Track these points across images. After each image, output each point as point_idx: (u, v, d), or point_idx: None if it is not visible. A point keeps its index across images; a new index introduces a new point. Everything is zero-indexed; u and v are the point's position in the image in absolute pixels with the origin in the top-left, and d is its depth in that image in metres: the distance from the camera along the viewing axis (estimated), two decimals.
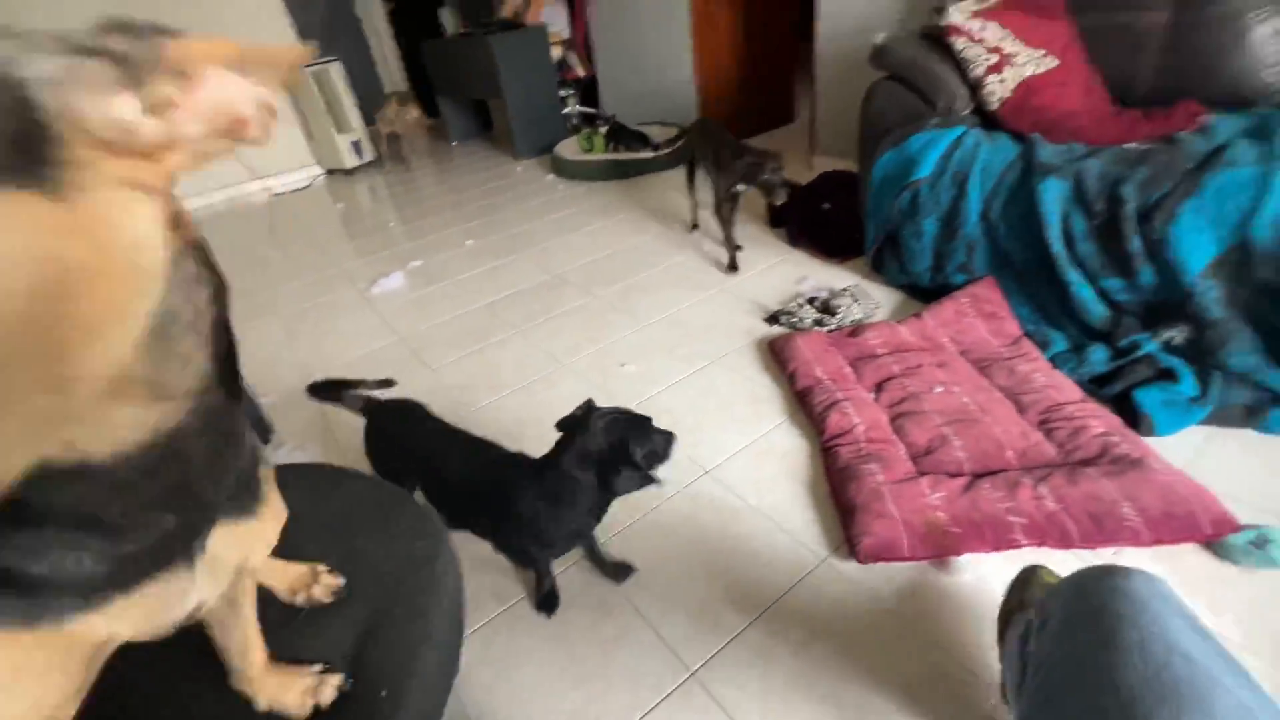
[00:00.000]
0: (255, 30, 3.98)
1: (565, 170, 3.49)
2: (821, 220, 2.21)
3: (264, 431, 1.57)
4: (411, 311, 2.19)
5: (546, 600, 1.05)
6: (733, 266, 2.11)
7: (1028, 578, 0.85)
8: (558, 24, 4.03)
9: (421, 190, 3.76)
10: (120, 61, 0.22)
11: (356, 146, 4.20)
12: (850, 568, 1.07)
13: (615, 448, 0.89)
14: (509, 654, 1.01)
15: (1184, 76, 1.53)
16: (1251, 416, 1.19)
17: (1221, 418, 1.20)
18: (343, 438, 1.56)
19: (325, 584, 0.53)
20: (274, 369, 1.93)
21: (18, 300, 0.19)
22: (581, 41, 4.18)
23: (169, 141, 0.25)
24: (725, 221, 2.09)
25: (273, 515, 0.41)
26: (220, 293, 0.30)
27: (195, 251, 0.29)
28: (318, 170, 4.38)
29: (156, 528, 0.30)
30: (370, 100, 5.85)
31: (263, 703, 0.47)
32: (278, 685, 0.47)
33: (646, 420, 0.94)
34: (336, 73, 3.94)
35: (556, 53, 4.04)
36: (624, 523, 1.21)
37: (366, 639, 0.51)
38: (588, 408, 0.96)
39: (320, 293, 2.44)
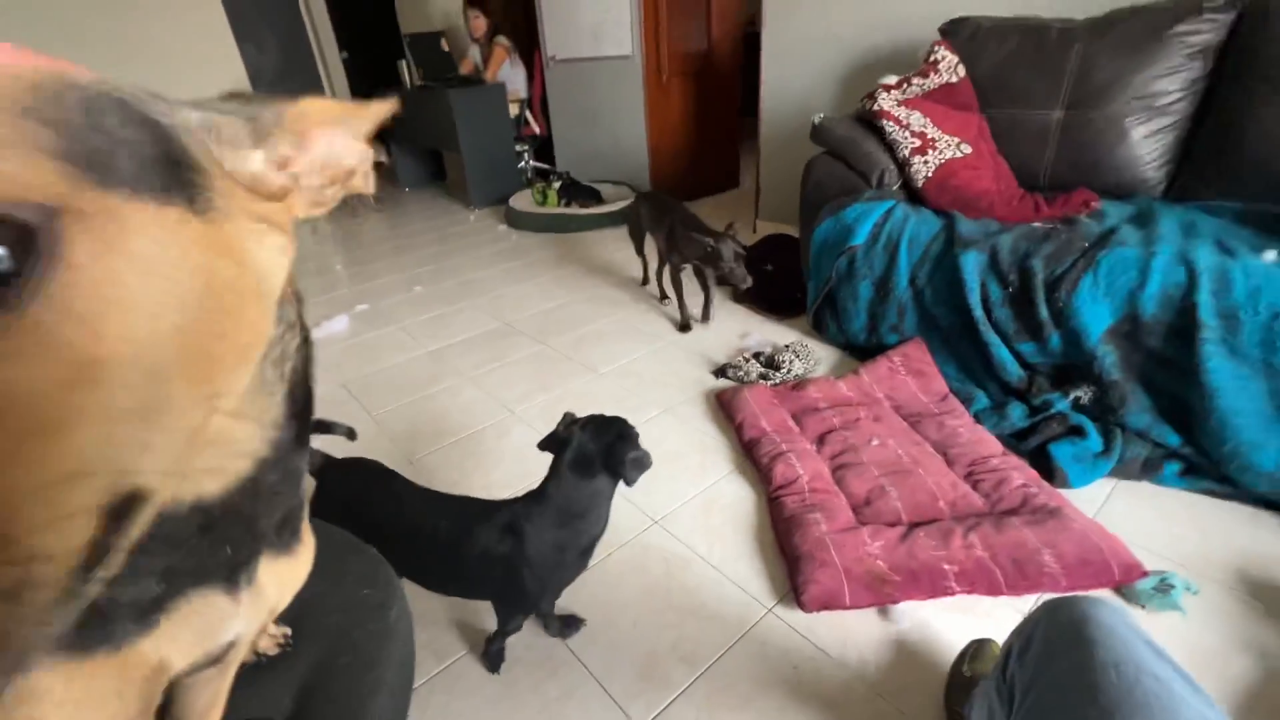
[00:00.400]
0: (208, 75, 3.93)
1: (518, 222, 3.54)
2: (765, 280, 2.32)
3: None
4: (355, 356, 2.13)
5: (495, 657, 1.01)
6: (685, 327, 2.17)
7: (977, 650, 0.89)
8: (516, 83, 4.17)
9: (371, 234, 3.72)
10: (249, 121, 0.25)
11: None
12: (796, 616, 1.09)
13: (610, 445, 0.89)
14: (448, 716, 0.96)
15: (1078, 168, 1.74)
16: (1148, 470, 1.31)
17: (1123, 471, 1.32)
18: None
19: (270, 634, 0.50)
20: None
21: (175, 311, 0.20)
22: (538, 101, 4.33)
23: (291, 190, 0.27)
24: (678, 288, 2.16)
25: (306, 555, 0.40)
26: (306, 341, 0.32)
27: (295, 298, 0.31)
28: None
29: (217, 555, 0.30)
30: None
31: None
32: None
33: (623, 421, 0.95)
34: None
35: (514, 110, 4.17)
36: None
37: (313, 691, 0.48)
38: (569, 420, 0.96)
39: None
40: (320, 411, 1.61)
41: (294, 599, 0.56)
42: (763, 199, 3.15)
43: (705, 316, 2.21)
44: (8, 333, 0.16)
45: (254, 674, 0.50)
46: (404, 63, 4.07)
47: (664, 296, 2.42)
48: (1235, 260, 1.23)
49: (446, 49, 3.93)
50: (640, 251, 2.51)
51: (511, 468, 1.50)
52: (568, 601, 1.12)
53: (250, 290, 0.25)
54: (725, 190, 4.18)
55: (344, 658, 0.50)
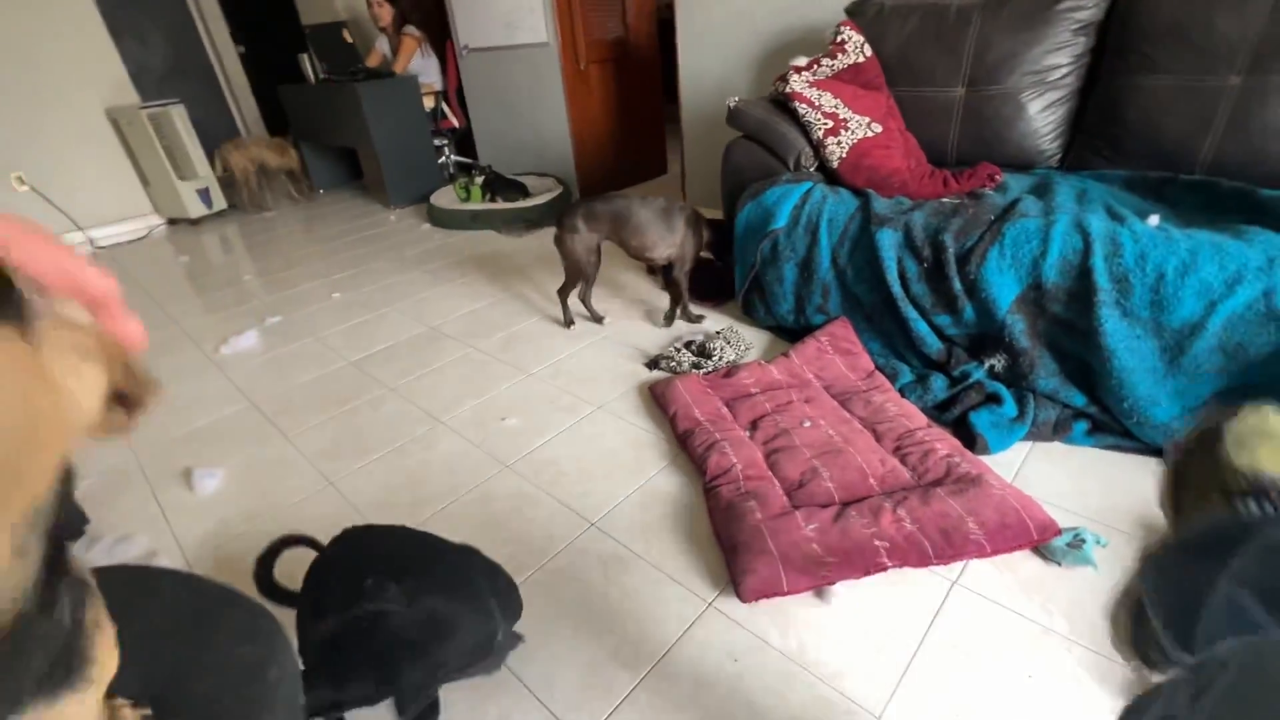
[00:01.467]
0: (87, 73, 3.58)
1: (441, 220, 3.41)
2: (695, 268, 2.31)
3: (76, 522, 1.34)
4: (267, 373, 2.00)
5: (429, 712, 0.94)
6: (669, 320, 2.07)
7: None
8: (430, 75, 3.99)
9: (283, 240, 3.50)
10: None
11: (204, 194, 3.86)
12: (734, 608, 1.08)
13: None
14: None
15: (981, 142, 1.80)
16: (1059, 431, 1.38)
17: (1037, 433, 1.38)
18: (179, 525, 1.37)
19: None
20: (91, 447, 1.66)
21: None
22: (454, 92, 4.17)
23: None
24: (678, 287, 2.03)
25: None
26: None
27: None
28: (156, 220, 3.95)
29: None
30: (220, 144, 5.43)
31: None
32: None
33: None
34: (178, 116, 3.62)
35: (429, 103, 3.99)
36: None
37: None
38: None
39: (157, 355, 2.16)
40: (229, 436, 1.49)
41: (159, 670, 0.50)
42: (689, 184, 3.14)
43: (683, 317, 2.06)
44: None
45: None
46: (305, 56, 3.82)
47: (597, 318, 2.12)
48: (1124, 226, 1.30)
49: (350, 40, 3.71)
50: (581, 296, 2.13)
51: (439, 483, 1.44)
52: (524, 618, 1.07)
53: (61, 418, 0.24)
54: (654, 177, 4.15)
55: None
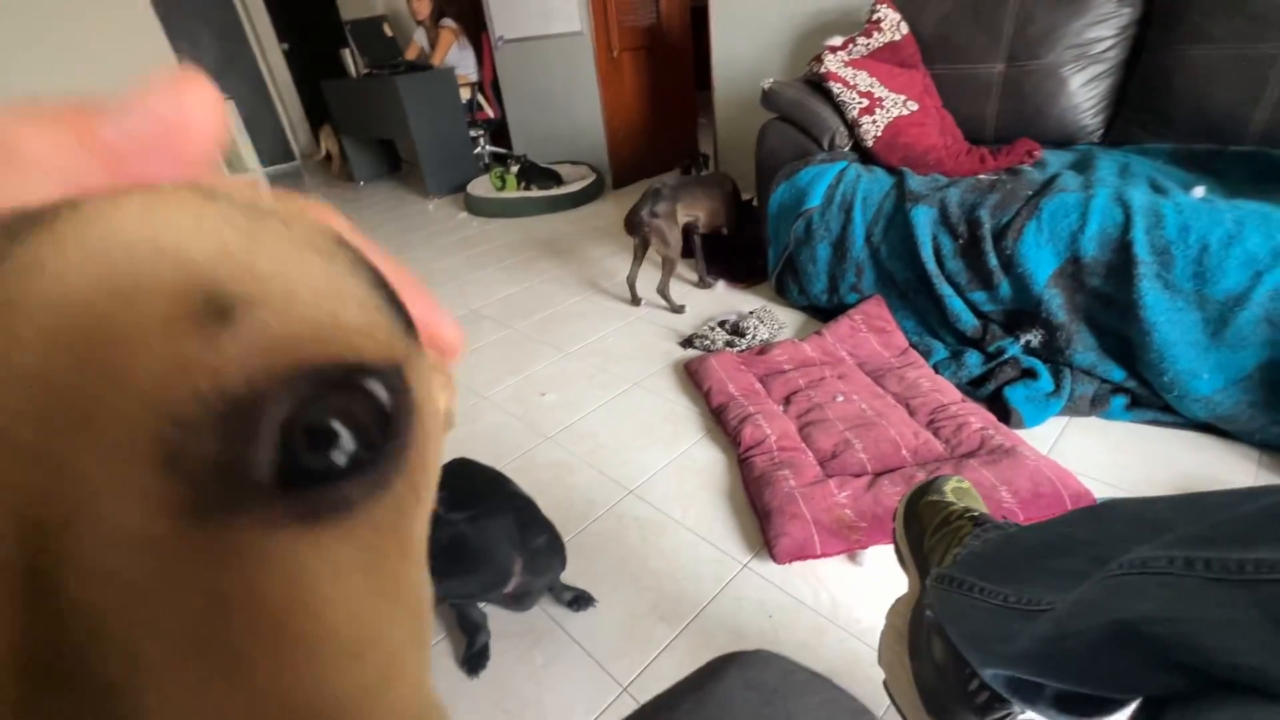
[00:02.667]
0: (141, 69, 3.76)
1: (478, 208, 3.49)
2: (728, 248, 2.34)
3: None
4: None
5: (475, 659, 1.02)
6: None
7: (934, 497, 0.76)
8: (466, 67, 4.08)
9: None
10: None
11: None
12: (770, 569, 1.12)
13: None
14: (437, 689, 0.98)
15: (1020, 118, 1.78)
16: (1096, 405, 1.37)
17: (1074, 408, 1.38)
18: None
19: None
20: None
21: None
22: (489, 83, 4.24)
23: None
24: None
25: None
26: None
27: None
28: None
29: None
30: (267, 139, 5.64)
31: None
32: None
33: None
34: (230, 112, 3.77)
35: (465, 94, 4.08)
36: None
37: None
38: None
39: None
40: None
41: None
42: (721, 169, 3.16)
43: (703, 281, 2.24)
44: (343, 539, 0.11)
45: None
46: (347, 51, 3.94)
47: (636, 300, 2.16)
48: (1166, 198, 1.28)
49: (390, 34, 3.81)
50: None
51: (483, 452, 1.50)
52: (568, 577, 1.12)
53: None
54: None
55: None
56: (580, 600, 1.09)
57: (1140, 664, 0.35)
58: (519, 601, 0.98)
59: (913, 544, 0.69)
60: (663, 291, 2.05)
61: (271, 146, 5.72)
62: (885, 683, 0.69)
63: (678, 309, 2.06)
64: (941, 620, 0.54)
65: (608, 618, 1.07)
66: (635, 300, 2.16)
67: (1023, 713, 0.51)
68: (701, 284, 2.23)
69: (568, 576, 1.14)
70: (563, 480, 1.38)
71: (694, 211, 2.06)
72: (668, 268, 2.01)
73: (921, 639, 0.61)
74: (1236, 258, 1.16)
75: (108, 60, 3.64)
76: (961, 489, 0.71)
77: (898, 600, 0.70)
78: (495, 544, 0.84)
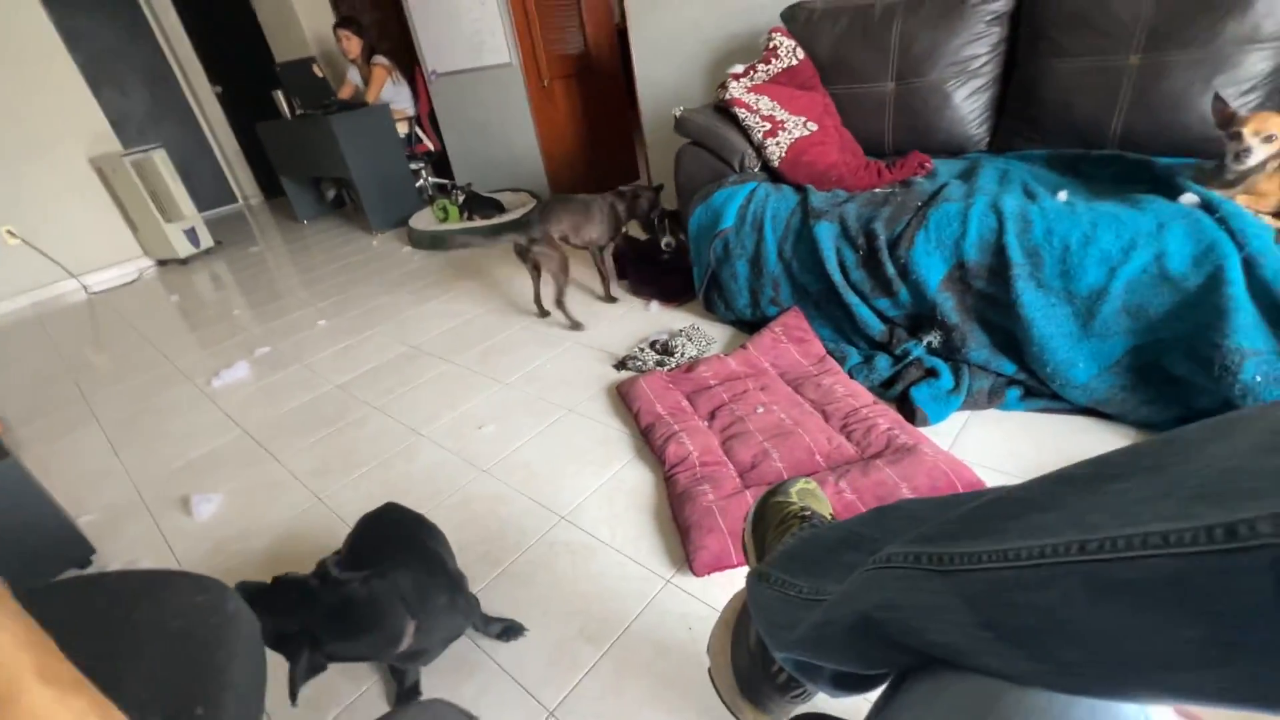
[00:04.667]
0: (67, 125, 3.70)
1: (421, 241, 3.51)
2: (663, 268, 2.41)
3: (83, 553, 1.44)
4: (258, 401, 2.10)
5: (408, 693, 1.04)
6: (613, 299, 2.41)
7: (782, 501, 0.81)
8: (401, 102, 4.11)
9: (270, 273, 3.61)
10: None
11: (191, 234, 3.97)
12: (691, 583, 1.18)
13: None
14: None
15: (914, 132, 1.90)
16: (993, 398, 1.47)
17: (972, 403, 1.47)
18: (180, 548, 1.47)
19: None
20: (95, 483, 1.77)
21: None
22: (427, 116, 4.28)
23: None
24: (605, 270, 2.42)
25: None
26: None
27: None
28: (146, 262, 4.07)
29: None
30: (206, 183, 5.57)
31: None
32: None
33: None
34: (161, 160, 3.74)
35: (403, 128, 4.11)
36: (484, 579, 1.24)
37: (167, 682, 0.52)
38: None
39: (152, 393, 2.27)
40: (224, 464, 1.58)
41: (123, 628, 0.59)
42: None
43: (608, 295, 2.38)
44: None
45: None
46: (279, 93, 3.93)
47: (544, 313, 2.36)
48: (1034, 203, 1.40)
49: (321, 74, 3.82)
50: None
51: (421, 490, 1.53)
52: (499, 607, 1.16)
53: None
54: (626, 184, 4.26)
55: (191, 649, 0.54)
56: (509, 631, 1.12)
57: (878, 645, 0.42)
58: (413, 660, 0.97)
59: (757, 543, 0.75)
60: (559, 305, 2.20)
61: (212, 190, 5.64)
62: (709, 669, 0.76)
63: (575, 325, 2.21)
64: (752, 611, 0.60)
65: (537, 644, 1.11)
66: (542, 313, 2.38)
67: (814, 690, 0.58)
68: (607, 298, 2.39)
69: (500, 607, 1.18)
70: (496, 513, 1.42)
71: (560, 229, 2.19)
72: (557, 284, 2.16)
73: (743, 630, 0.67)
74: (1094, 256, 1.27)
75: (29, 113, 3.57)
76: (806, 490, 0.78)
77: (733, 595, 0.76)
78: (387, 606, 0.82)
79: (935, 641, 0.38)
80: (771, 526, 0.72)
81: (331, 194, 4.82)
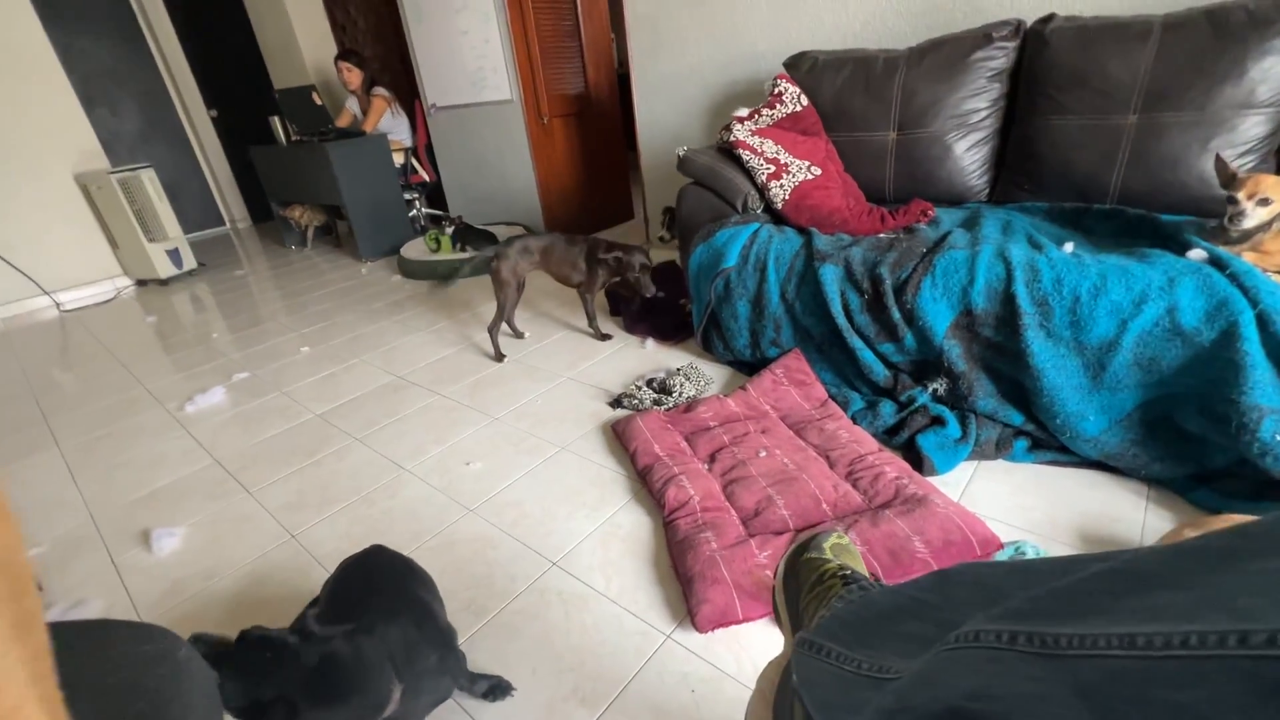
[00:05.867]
0: (55, 141, 3.64)
1: (412, 271, 3.47)
2: (656, 307, 2.39)
3: None
4: (232, 429, 1.99)
5: None
6: (607, 336, 2.36)
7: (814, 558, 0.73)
8: (399, 133, 4.12)
9: (254, 297, 3.52)
10: None
11: (175, 254, 3.88)
12: (692, 639, 1.10)
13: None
14: None
15: (914, 180, 1.92)
16: (1000, 449, 1.44)
17: (980, 452, 1.44)
18: (135, 587, 1.35)
19: None
20: (46, 512, 1.64)
21: None
22: (424, 148, 4.29)
23: None
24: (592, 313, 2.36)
25: None
26: None
27: None
28: (125, 281, 3.96)
29: None
30: (194, 205, 5.52)
31: None
32: None
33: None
34: (149, 180, 3.68)
35: (399, 158, 4.11)
36: (469, 630, 1.15)
37: None
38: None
39: (119, 417, 2.15)
40: (191, 494, 1.47)
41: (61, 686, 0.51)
42: (653, 228, 3.25)
43: (597, 331, 2.35)
44: None
45: None
46: (275, 119, 3.93)
47: (519, 334, 2.47)
48: (1041, 253, 1.39)
49: (320, 102, 3.83)
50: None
51: (402, 529, 1.44)
52: (484, 662, 1.07)
53: None
54: (621, 222, 4.28)
55: (139, 704, 0.46)
56: (496, 690, 1.03)
57: None
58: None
59: (790, 603, 0.69)
60: (490, 327, 2.29)
61: (200, 212, 5.57)
62: None
63: (498, 355, 2.28)
64: (799, 686, 0.53)
65: (525, 706, 1.01)
66: (516, 334, 2.47)
67: None
68: (598, 336, 2.36)
69: (485, 662, 1.08)
70: (484, 556, 1.33)
71: (531, 259, 2.24)
72: (497, 305, 2.25)
73: (785, 705, 0.60)
74: (1104, 307, 1.26)
75: (21, 127, 3.51)
76: (840, 545, 0.72)
77: (769, 663, 0.69)
78: (372, 667, 0.73)
79: None
80: (806, 587, 0.66)
81: (304, 227, 4.51)
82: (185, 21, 5.11)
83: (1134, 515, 1.26)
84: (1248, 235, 1.29)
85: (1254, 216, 1.28)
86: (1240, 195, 1.28)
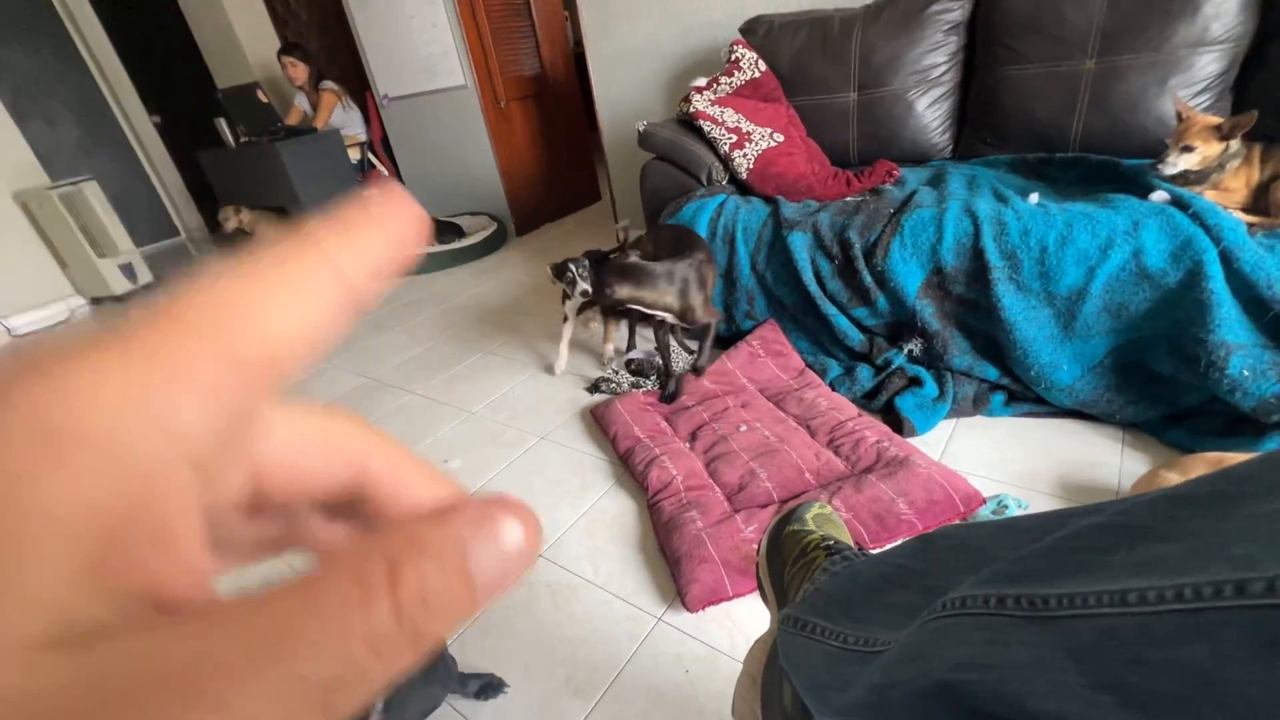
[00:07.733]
0: None
1: None
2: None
3: None
4: None
5: None
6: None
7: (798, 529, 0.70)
8: (353, 127, 3.98)
9: None
10: None
11: (128, 269, 3.74)
12: (684, 619, 1.09)
13: None
14: None
15: (878, 141, 1.90)
16: (978, 405, 1.44)
17: (959, 410, 1.44)
18: None
19: None
20: None
21: None
22: (379, 141, 4.16)
23: None
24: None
25: None
26: None
27: None
28: (78, 300, 3.81)
29: None
30: (145, 216, 5.31)
31: None
32: None
33: None
34: (92, 193, 3.52)
35: (355, 154, 3.98)
36: (458, 631, 1.12)
37: None
38: None
39: None
40: None
41: None
42: (619, 208, 3.20)
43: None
44: None
45: None
46: (220, 120, 3.77)
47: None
48: (1008, 206, 1.39)
49: (266, 100, 3.68)
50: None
51: None
52: (475, 661, 1.05)
53: None
54: (588, 205, 4.22)
55: None
56: (488, 689, 1.01)
57: (963, 717, 0.34)
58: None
59: (774, 579, 0.67)
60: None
61: (152, 224, 5.36)
62: None
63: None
64: (786, 666, 0.51)
65: (519, 702, 1.00)
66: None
67: None
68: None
69: (476, 661, 1.06)
70: None
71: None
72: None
73: (773, 687, 0.59)
74: (1071, 256, 1.26)
75: None
76: (823, 515, 0.70)
77: (755, 643, 0.67)
78: None
79: (1039, 710, 0.30)
80: (790, 560, 0.64)
81: (231, 226, 4.16)
82: (115, 24, 4.87)
83: (1111, 460, 1.27)
84: (1206, 175, 1.29)
85: (1181, 162, 1.29)
86: (1169, 140, 1.30)
